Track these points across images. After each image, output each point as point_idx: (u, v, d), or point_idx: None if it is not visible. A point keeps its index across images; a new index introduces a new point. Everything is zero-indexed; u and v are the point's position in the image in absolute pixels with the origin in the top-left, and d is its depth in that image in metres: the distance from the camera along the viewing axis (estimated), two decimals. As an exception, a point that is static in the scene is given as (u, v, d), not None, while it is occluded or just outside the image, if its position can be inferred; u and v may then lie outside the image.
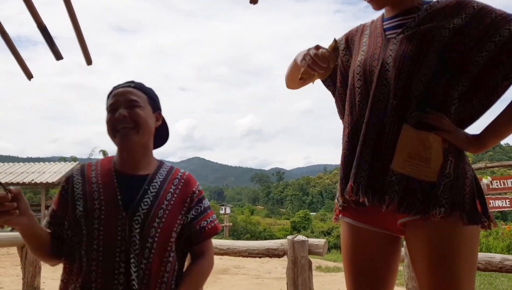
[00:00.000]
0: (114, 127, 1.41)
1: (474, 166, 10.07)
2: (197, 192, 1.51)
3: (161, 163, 1.53)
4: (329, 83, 1.74)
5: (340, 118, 1.65)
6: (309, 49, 1.45)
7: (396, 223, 1.42)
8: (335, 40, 1.44)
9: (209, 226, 1.50)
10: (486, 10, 1.33)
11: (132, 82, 1.51)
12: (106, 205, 1.35)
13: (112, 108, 1.43)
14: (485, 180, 9.07)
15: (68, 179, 1.46)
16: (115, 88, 1.49)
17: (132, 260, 1.30)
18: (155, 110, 1.51)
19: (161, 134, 1.59)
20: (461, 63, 1.35)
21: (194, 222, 1.47)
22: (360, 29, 1.63)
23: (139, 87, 1.49)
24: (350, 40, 1.66)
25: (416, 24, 1.40)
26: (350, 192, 1.43)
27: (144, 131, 1.42)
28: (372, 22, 1.60)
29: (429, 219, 1.32)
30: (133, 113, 1.41)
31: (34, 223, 1.30)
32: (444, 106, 1.36)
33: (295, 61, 1.61)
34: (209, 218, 1.51)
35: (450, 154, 1.34)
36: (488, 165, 10.13)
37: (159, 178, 1.45)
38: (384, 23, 1.52)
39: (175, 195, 1.44)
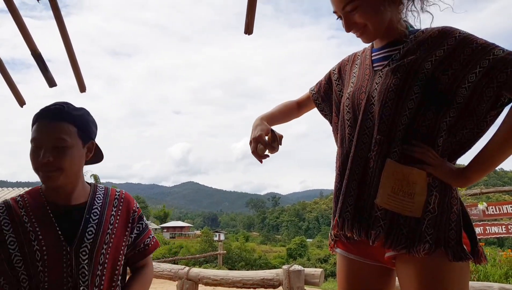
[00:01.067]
0: (37, 169, 1.30)
1: (469, 191, 10.07)
2: (136, 210, 1.52)
3: (94, 186, 1.47)
4: (326, 112, 1.75)
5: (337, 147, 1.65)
6: (250, 142, 1.56)
7: (385, 255, 1.40)
8: (272, 131, 1.54)
9: (151, 243, 1.55)
10: (467, 40, 1.32)
11: (61, 110, 1.34)
12: (47, 244, 1.26)
13: (35, 145, 1.30)
14: (480, 206, 9.05)
15: None
16: (41, 114, 1.33)
17: None
18: (86, 142, 1.40)
19: (97, 158, 1.53)
20: (446, 95, 1.33)
21: (138, 240, 1.50)
22: (352, 59, 1.65)
23: (70, 118, 1.34)
24: (342, 70, 1.68)
25: (401, 56, 1.40)
26: (336, 226, 1.44)
27: (69, 174, 1.32)
28: (364, 51, 1.61)
29: (412, 255, 1.31)
30: (58, 158, 1.29)
31: None
32: (430, 138, 1.34)
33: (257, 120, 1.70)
34: (150, 235, 1.56)
35: (434, 189, 1.32)
36: (484, 190, 10.14)
37: (97, 203, 1.41)
38: (373, 54, 1.53)
39: (118, 217, 1.44)
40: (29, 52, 2.27)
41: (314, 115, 1.84)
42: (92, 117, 1.47)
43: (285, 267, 3.30)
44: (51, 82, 2.34)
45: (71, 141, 1.33)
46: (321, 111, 1.77)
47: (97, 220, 1.36)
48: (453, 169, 1.34)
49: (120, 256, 1.40)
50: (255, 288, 3.46)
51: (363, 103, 1.43)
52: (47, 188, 1.38)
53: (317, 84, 1.79)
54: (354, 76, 1.55)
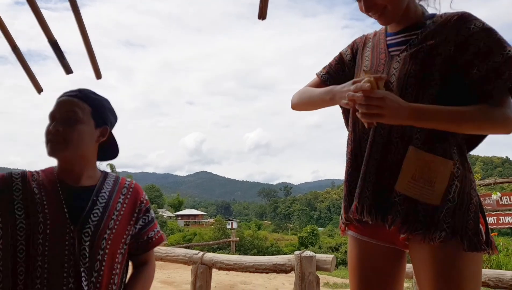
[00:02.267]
0: (46, 138, 1.34)
1: (483, 182, 9.96)
2: (144, 201, 1.50)
3: (105, 173, 1.48)
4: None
5: (347, 130, 1.65)
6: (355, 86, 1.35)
7: (399, 237, 1.41)
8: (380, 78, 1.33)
9: (156, 237, 1.51)
10: (483, 34, 1.31)
11: (81, 91, 1.41)
12: (51, 219, 1.27)
13: (50, 117, 1.37)
14: (494, 196, 8.96)
15: (5, 181, 1.31)
16: (62, 95, 1.40)
17: (82, 274, 1.25)
18: (99, 125, 1.42)
19: (111, 148, 1.53)
20: (463, 80, 1.33)
21: (142, 232, 1.46)
22: (363, 42, 1.62)
23: (85, 98, 1.39)
24: (355, 50, 1.65)
25: (419, 41, 1.39)
26: (355, 212, 1.44)
27: (74, 148, 1.34)
28: (375, 34, 1.59)
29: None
30: (67, 129, 1.33)
31: None
32: None
33: (323, 95, 1.55)
34: (156, 228, 1.52)
35: (456, 178, 1.32)
36: (498, 181, 10.05)
37: (106, 188, 1.41)
38: (388, 38, 1.50)
39: (125, 205, 1.42)
40: (45, 44, 2.31)
41: None
42: (111, 106, 1.49)
43: (297, 253, 3.33)
44: (68, 69, 2.38)
45: (83, 116, 1.36)
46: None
47: (104, 204, 1.36)
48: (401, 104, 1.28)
49: (121, 245, 1.38)
50: (267, 273, 3.50)
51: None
52: (59, 165, 1.38)
53: (324, 67, 1.73)
54: (367, 60, 1.53)
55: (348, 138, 1.55)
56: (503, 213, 9.12)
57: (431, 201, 1.31)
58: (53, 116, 1.35)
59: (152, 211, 1.53)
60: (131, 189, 1.47)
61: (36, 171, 1.38)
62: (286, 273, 3.42)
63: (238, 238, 21.32)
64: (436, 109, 1.29)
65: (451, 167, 1.31)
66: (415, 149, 1.33)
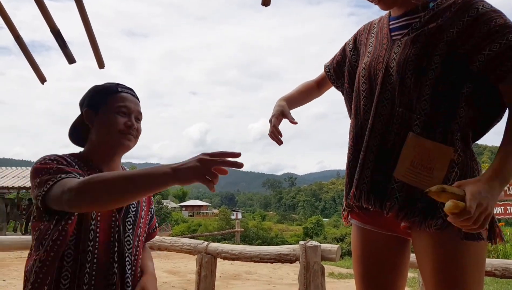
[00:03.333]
0: (123, 131, 1.41)
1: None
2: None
3: (123, 168, 1.56)
4: (338, 84, 1.74)
5: (350, 118, 1.65)
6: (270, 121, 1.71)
7: (399, 225, 1.41)
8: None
9: (155, 230, 1.64)
10: (487, 17, 1.27)
11: (133, 91, 1.52)
12: None
13: (124, 112, 1.43)
14: (501, 186, 8.90)
15: (56, 156, 1.31)
16: (121, 89, 1.47)
17: (127, 259, 1.34)
18: None
19: None
20: (464, 66, 1.31)
21: (150, 223, 1.59)
22: (367, 28, 1.61)
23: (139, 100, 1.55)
24: (358, 40, 1.65)
25: (422, 24, 1.36)
26: (353, 198, 1.44)
27: (135, 143, 1.49)
28: (380, 19, 1.57)
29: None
30: (138, 126, 1.48)
31: None
32: (452, 110, 1.32)
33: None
34: (156, 222, 1.66)
35: (456, 166, 1.30)
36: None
37: None
38: (391, 23, 1.49)
39: (145, 197, 1.54)
40: (48, 34, 2.29)
41: (333, 95, 1.84)
42: None
43: (302, 242, 3.33)
44: (71, 59, 2.36)
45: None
46: (333, 83, 1.76)
47: None
48: (481, 179, 1.21)
49: (145, 233, 1.52)
50: (272, 262, 3.51)
51: (381, 74, 1.40)
52: (101, 156, 1.41)
53: (331, 58, 1.79)
54: (371, 46, 1.52)
55: (350, 125, 1.54)
56: (510, 203, 9.07)
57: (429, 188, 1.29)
58: (128, 111, 1.44)
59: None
60: None
61: (67, 155, 1.37)
62: (291, 263, 3.43)
63: (242, 229, 21.41)
64: (506, 160, 1.21)
65: (451, 154, 1.29)
66: (414, 135, 1.32)
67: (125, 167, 1.58)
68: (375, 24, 1.58)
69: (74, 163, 1.32)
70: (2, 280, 7.92)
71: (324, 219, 38.39)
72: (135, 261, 1.39)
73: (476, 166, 1.34)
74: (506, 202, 9.00)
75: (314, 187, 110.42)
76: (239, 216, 47.40)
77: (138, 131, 1.47)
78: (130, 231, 1.37)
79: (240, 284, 8.33)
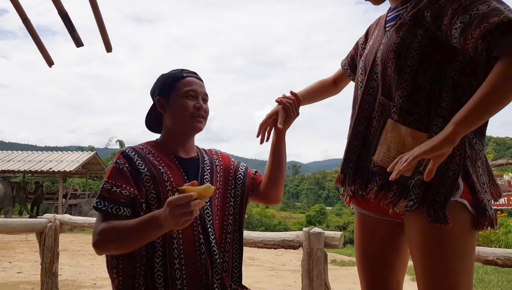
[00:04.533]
0: (193, 114, 1.51)
1: (495, 162, 9.90)
2: (234, 161, 1.71)
3: (197, 146, 1.65)
4: (354, 78, 1.77)
5: None
6: None
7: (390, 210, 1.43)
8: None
9: (254, 174, 1.73)
10: None
11: (197, 74, 1.60)
12: (177, 185, 1.42)
13: (192, 95, 1.52)
14: (506, 177, 8.93)
15: (127, 158, 1.43)
16: (186, 74, 1.57)
17: (209, 229, 1.44)
18: None
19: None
20: (447, 47, 1.29)
21: (247, 179, 1.66)
22: (377, 22, 1.65)
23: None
24: (369, 33, 1.68)
25: (406, 13, 1.39)
26: (338, 181, 1.56)
27: (205, 124, 1.59)
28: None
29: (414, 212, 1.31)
30: (206, 107, 1.56)
31: None
32: (434, 95, 1.31)
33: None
34: (253, 171, 1.74)
35: None
36: (510, 161, 9.97)
37: (205, 157, 1.61)
38: (388, 15, 1.53)
39: (221, 168, 1.62)
40: (54, 19, 2.29)
41: None
42: None
43: (305, 229, 3.35)
44: (78, 42, 2.36)
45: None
46: (348, 76, 1.82)
47: (209, 169, 1.57)
48: (435, 136, 1.21)
49: (227, 205, 1.57)
50: (275, 248, 3.53)
51: (369, 64, 1.46)
52: (174, 139, 1.55)
53: (347, 54, 1.83)
54: (373, 38, 1.56)
55: (351, 114, 1.59)
56: (514, 194, 9.06)
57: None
58: (195, 94, 1.53)
59: (242, 165, 1.72)
60: (219, 155, 1.68)
61: (141, 145, 1.53)
62: (294, 249, 3.45)
63: (246, 215, 21.46)
64: (466, 110, 1.17)
65: (424, 140, 1.26)
66: (392, 122, 1.36)
67: (200, 148, 1.66)
68: (383, 17, 1.60)
69: (141, 162, 1.44)
70: (8, 262, 8.04)
71: (327, 208, 38.55)
72: (220, 229, 1.50)
73: (454, 154, 1.28)
74: (510, 193, 9.00)
75: (318, 175, 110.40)
76: (243, 203, 47.41)
77: (206, 112, 1.55)
78: (208, 203, 1.47)
79: (243, 270, 8.39)
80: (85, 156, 20.01)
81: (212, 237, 1.44)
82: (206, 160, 1.59)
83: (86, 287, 6.02)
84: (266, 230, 23.18)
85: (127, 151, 1.46)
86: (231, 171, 1.64)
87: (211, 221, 1.46)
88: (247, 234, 3.74)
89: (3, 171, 18.55)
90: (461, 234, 1.29)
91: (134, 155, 1.45)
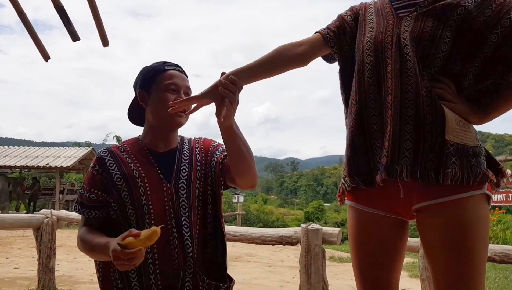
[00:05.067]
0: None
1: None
2: (214, 144, 1.61)
3: (181, 137, 1.61)
4: (336, 50, 1.60)
5: (341, 92, 1.62)
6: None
7: (409, 207, 1.41)
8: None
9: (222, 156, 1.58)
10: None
11: (180, 67, 1.56)
12: (149, 181, 1.44)
13: (173, 89, 1.49)
14: (504, 174, 8.92)
15: (99, 161, 1.49)
16: (168, 66, 1.53)
17: (183, 223, 1.43)
18: None
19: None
20: (476, 41, 1.36)
21: (216, 158, 1.55)
22: (363, 7, 1.60)
23: (186, 74, 1.57)
24: (356, 14, 1.60)
25: (430, 3, 1.41)
26: (386, 174, 1.36)
27: (187, 119, 1.53)
28: (375, 2, 1.59)
29: (443, 205, 1.33)
30: None
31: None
32: (458, 83, 1.38)
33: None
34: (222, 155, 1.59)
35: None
36: (509, 157, 10.00)
37: (185, 147, 1.56)
38: (393, 4, 1.50)
39: (203, 155, 1.56)
40: (50, 13, 2.27)
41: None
42: None
43: (303, 225, 3.34)
44: (74, 36, 2.34)
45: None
46: (332, 47, 1.57)
47: (188, 160, 1.53)
48: (471, 106, 1.39)
49: (208, 194, 1.51)
50: (273, 244, 3.53)
51: (393, 46, 1.41)
52: (152, 134, 1.53)
53: (326, 26, 1.62)
54: (372, 22, 1.52)
55: (352, 99, 1.50)
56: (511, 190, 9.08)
57: (473, 142, 1.37)
58: (177, 88, 1.49)
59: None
60: (202, 142, 1.61)
61: (120, 144, 1.55)
62: (292, 245, 3.45)
63: (244, 212, 21.55)
64: (502, 104, 1.39)
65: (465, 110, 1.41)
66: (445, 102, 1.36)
67: (185, 138, 1.61)
68: (370, 4, 1.59)
69: (112, 162, 1.47)
70: (5, 258, 8.01)
71: (325, 204, 38.62)
72: (198, 220, 1.46)
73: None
74: (508, 189, 9.01)
75: (316, 172, 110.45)
76: (241, 199, 47.64)
77: (188, 107, 1.48)
78: (184, 195, 1.46)
79: (241, 266, 8.42)
80: (82, 151, 19.96)
81: (187, 230, 1.43)
82: (184, 151, 1.55)
83: (83, 282, 6.01)
84: (264, 226, 23.22)
85: (101, 154, 1.51)
86: (208, 157, 1.56)
87: (187, 213, 1.44)
88: (245, 230, 3.73)
89: (0, 167, 18.50)
90: (485, 218, 1.36)
91: (106, 156, 1.48)
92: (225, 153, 1.49)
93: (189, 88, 1.53)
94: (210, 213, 1.51)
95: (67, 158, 18.72)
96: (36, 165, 18.43)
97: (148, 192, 1.42)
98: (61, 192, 19.10)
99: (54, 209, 11.62)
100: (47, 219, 5.13)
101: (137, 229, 1.29)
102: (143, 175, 1.45)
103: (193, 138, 1.65)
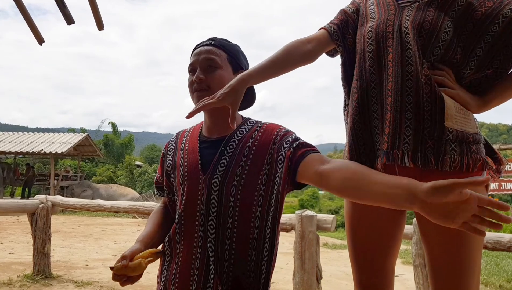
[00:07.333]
0: (191, 90, 1.36)
1: (486, 148, 9.95)
2: (281, 133, 1.32)
3: (246, 120, 1.41)
4: (340, 43, 1.60)
5: (343, 84, 1.62)
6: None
7: None
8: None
9: (302, 155, 1.27)
10: None
11: (214, 39, 1.42)
12: (189, 171, 1.33)
13: (190, 69, 1.38)
14: (497, 163, 8.98)
15: (166, 145, 1.51)
16: (197, 45, 1.42)
17: (210, 223, 1.27)
18: (236, 70, 1.40)
19: (246, 95, 1.41)
20: (476, 32, 1.37)
21: (292, 164, 1.26)
22: (362, 0, 1.62)
23: (220, 44, 1.39)
24: (358, 5, 1.62)
25: None
26: (388, 159, 1.37)
27: None
28: None
29: None
30: (209, 75, 1.34)
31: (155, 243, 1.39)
32: (458, 71, 1.40)
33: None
34: (310, 148, 1.28)
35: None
36: (502, 147, 10.05)
37: (237, 136, 1.35)
38: None
39: (254, 148, 1.31)
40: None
41: (337, 67, 1.56)
42: (243, 51, 1.49)
43: (298, 212, 3.37)
44: (69, 19, 2.32)
45: (221, 62, 1.36)
46: (336, 40, 1.58)
47: (231, 153, 1.31)
48: (470, 94, 1.41)
49: (256, 193, 1.28)
50: (268, 231, 3.55)
51: (394, 35, 1.42)
52: (204, 119, 1.42)
53: (329, 21, 1.64)
54: (373, 13, 1.53)
55: (353, 87, 1.51)
56: (505, 179, 9.16)
57: (473, 129, 1.40)
58: (193, 67, 1.37)
59: (294, 135, 1.32)
60: (262, 130, 1.35)
61: (192, 127, 1.48)
62: (287, 231, 3.47)
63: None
64: (502, 92, 1.41)
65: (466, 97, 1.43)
66: (445, 89, 1.38)
67: (248, 122, 1.39)
68: None
69: (173, 146, 1.47)
70: (0, 243, 8.03)
71: (319, 192, 38.73)
72: (235, 223, 1.26)
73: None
74: (501, 178, 9.08)
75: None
76: (236, 186, 47.58)
77: (208, 81, 1.33)
78: (216, 193, 1.28)
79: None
80: (77, 137, 19.90)
81: (212, 232, 1.26)
82: (233, 140, 1.33)
83: (78, 268, 6.04)
84: (259, 213, 23.31)
85: (172, 138, 1.52)
86: (269, 151, 1.30)
87: (215, 213, 1.27)
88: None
89: (-6, 152, 18.42)
90: None
91: (172, 141, 1.49)
92: (298, 146, 1.27)
93: (209, 61, 1.34)
94: (259, 216, 1.28)
95: (61, 144, 18.67)
96: (31, 151, 18.38)
97: (186, 182, 1.32)
98: (56, 177, 19.07)
99: (48, 195, 11.62)
100: (42, 205, 5.13)
101: (178, 219, 1.33)
102: (186, 163, 1.35)
103: (262, 122, 1.40)
